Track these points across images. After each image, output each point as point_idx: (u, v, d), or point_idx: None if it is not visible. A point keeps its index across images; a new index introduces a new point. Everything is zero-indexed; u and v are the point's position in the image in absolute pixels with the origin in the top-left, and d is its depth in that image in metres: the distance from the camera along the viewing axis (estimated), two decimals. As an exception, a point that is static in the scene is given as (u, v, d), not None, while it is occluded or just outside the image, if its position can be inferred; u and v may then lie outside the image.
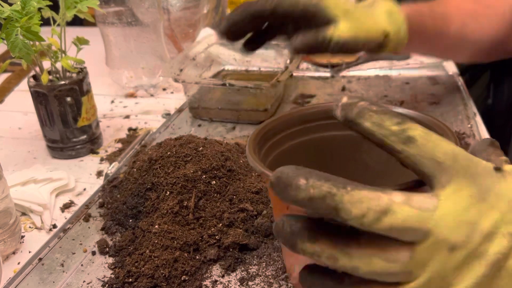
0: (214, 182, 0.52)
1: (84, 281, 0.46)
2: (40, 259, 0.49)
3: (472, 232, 0.27)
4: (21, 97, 0.96)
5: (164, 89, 0.96)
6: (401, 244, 0.28)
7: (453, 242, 0.27)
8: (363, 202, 0.26)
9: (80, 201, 0.59)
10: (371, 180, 0.33)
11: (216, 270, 0.46)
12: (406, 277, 0.28)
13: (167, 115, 0.84)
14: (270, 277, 0.45)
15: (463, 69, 1.59)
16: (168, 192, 0.51)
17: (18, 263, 0.50)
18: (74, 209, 0.58)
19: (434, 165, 0.28)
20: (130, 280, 0.44)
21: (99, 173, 0.66)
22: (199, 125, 0.78)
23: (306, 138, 0.45)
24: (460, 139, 0.67)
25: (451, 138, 0.36)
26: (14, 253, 0.51)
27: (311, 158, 0.44)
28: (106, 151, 0.72)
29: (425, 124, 0.35)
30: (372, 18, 0.55)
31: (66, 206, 0.58)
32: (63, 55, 0.66)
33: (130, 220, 0.52)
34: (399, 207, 0.27)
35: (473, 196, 0.28)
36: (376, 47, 0.56)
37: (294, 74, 0.93)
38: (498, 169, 0.29)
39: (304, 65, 0.99)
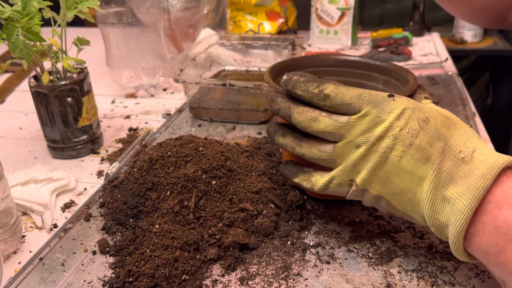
0: (214, 182, 0.52)
1: (84, 281, 0.46)
2: (41, 259, 0.49)
3: (370, 136, 0.41)
4: (22, 97, 0.96)
5: (164, 89, 0.97)
6: (329, 142, 0.44)
7: (358, 142, 0.42)
8: (302, 113, 0.44)
9: (80, 201, 0.60)
10: None
11: (216, 269, 0.46)
12: (332, 163, 0.44)
13: (168, 115, 0.84)
14: (270, 276, 0.45)
15: (463, 69, 1.59)
16: (168, 192, 0.51)
17: (19, 263, 0.50)
18: (74, 208, 0.58)
19: (345, 106, 0.42)
20: (131, 279, 0.44)
21: (99, 173, 0.66)
22: (199, 125, 0.79)
23: None
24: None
25: (411, 78, 0.50)
26: (15, 252, 0.51)
27: None
28: (107, 151, 0.72)
29: (389, 71, 0.55)
30: None
31: (66, 206, 0.59)
32: (64, 55, 0.66)
33: (131, 220, 0.52)
34: (323, 118, 0.43)
35: (372, 114, 0.41)
36: None
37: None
38: (391, 95, 0.42)
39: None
